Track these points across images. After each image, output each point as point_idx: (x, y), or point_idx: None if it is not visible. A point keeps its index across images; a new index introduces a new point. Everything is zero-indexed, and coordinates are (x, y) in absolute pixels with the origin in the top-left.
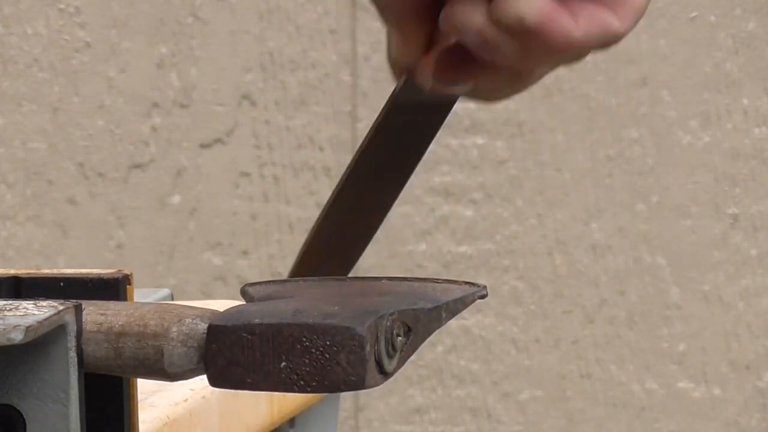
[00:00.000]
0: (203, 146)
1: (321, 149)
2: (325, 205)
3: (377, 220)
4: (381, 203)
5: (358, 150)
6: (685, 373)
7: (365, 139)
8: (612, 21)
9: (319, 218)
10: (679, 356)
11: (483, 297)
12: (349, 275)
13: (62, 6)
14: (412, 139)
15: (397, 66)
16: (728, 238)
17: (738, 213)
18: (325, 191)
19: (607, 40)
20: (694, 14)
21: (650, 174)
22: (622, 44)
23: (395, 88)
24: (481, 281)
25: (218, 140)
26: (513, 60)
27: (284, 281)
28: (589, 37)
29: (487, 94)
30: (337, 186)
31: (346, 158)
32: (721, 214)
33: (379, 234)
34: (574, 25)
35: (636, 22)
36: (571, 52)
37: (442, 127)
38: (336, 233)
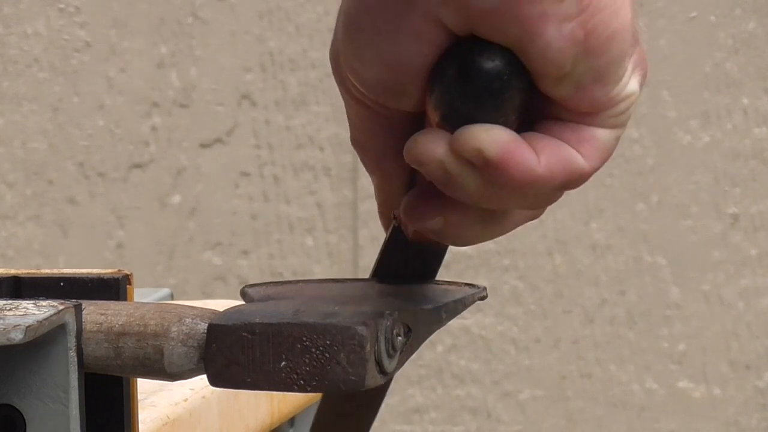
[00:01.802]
0: (203, 146)
1: (321, 149)
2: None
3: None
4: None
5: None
6: (685, 373)
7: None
8: (576, 159)
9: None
10: (679, 356)
11: (483, 298)
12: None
13: (62, 6)
14: (419, 267)
15: (383, 214)
16: (728, 238)
17: (738, 213)
18: (325, 191)
19: (571, 178)
20: (694, 14)
21: (650, 174)
22: None
23: (385, 239)
24: (481, 281)
25: (218, 140)
26: (476, 196)
27: (284, 282)
28: (553, 174)
29: (459, 235)
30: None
31: (346, 158)
32: (721, 214)
33: (380, 234)
34: (536, 161)
35: (603, 161)
36: (535, 189)
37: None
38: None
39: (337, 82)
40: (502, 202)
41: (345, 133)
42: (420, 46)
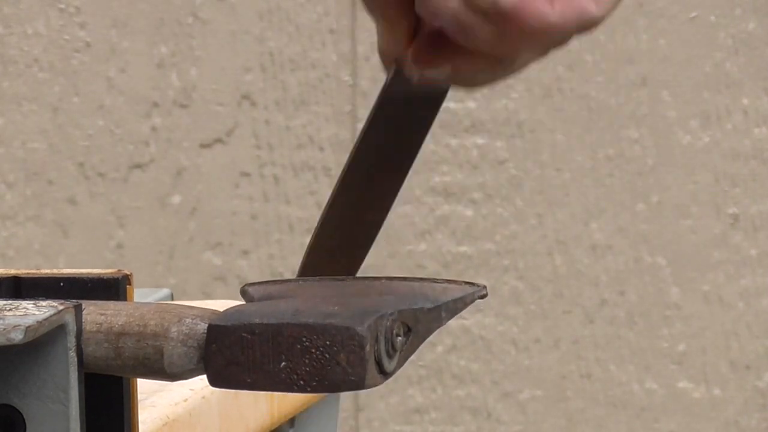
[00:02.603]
0: (203, 146)
1: (321, 149)
2: (326, 204)
3: (379, 217)
4: (381, 200)
5: (354, 147)
6: (685, 373)
7: (360, 134)
8: (588, 4)
9: (321, 218)
10: (679, 356)
11: (483, 297)
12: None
13: (62, 6)
14: (406, 132)
15: (385, 58)
16: (728, 238)
17: (738, 213)
18: (325, 191)
19: (583, 24)
20: (694, 14)
21: (650, 174)
22: (622, 44)
23: (385, 81)
24: (481, 281)
25: (218, 140)
26: (490, 44)
27: (284, 281)
28: (565, 21)
29: (468, 80)
30: (336, 184)
31: (346, 158)
32: (721, 214)
33: (379, 234)
34: (550, 8)
35: (613, 7)
36: (549, 36)
37: (437, 122)
38: (339, 233)
39: None
40: (515, 49)
41: (345, 133)
42: None
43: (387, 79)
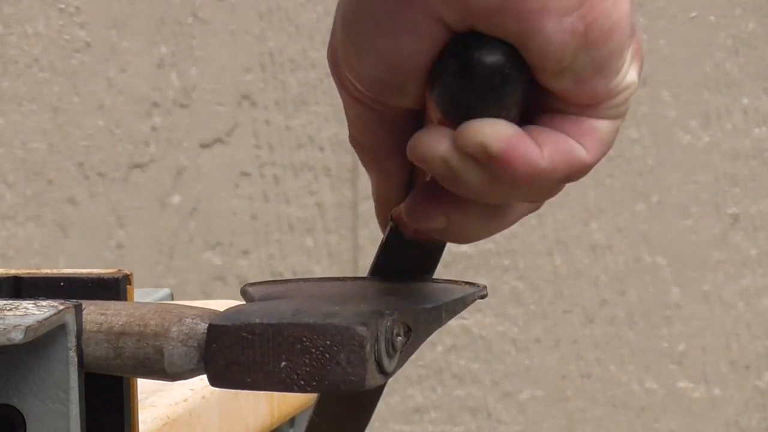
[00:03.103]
0: (203, 146)
1: (321, 149)
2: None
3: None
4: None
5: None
6: (685, 373)
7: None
8: (578, 151)
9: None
10: (679, 356)
11: (483, 297)
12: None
13: (62, 6)
14: (418, 265)
15: (381, 211)
16: (728, 238)
17: (738, 213)
18: (325, 191)
19: (573, 170)
20: (694, 14)
21: (650, 174)
22: None
23: (384, 236)
24: (481, 281)
25: (218, 140)
26: (480, 191)
27: (284, 281)
28: (555, 167)
29: (461, 234)
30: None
31: (346, 158)
32: (721, 214)
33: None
34: (540, 153)
35: (604, 153)
36: (538, 182)
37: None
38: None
39: (335, 80)
40: (506, 196)
41: (345, 133)
42: (419, 44)
43: (385, 233)
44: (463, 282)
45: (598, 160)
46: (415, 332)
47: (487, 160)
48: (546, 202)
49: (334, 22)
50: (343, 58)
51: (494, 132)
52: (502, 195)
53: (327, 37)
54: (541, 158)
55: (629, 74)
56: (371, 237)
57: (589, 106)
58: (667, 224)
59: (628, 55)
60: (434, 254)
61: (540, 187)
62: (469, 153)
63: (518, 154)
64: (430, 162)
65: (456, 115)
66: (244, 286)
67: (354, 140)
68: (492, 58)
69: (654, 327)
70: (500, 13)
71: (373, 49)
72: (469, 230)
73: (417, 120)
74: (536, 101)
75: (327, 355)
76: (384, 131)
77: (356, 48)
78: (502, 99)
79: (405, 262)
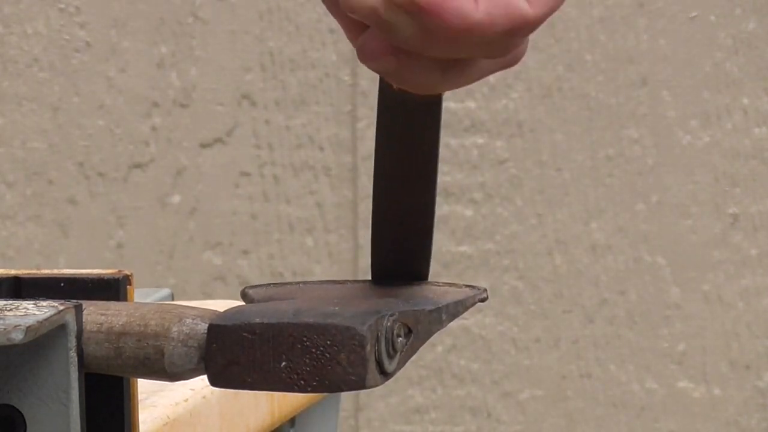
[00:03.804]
0: (203, 146)
1: (321, 149)
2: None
3: (424, 226)
4: (418, 208)
5: (374, 154)
6: (685, 373)
7: (375, 145)
8: (519, 3)
9: (371, 234)
10: (679, 356)
11: (483, 300)
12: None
13: (62, 6)
14: (415, 136)
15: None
16: (728, 238)
17: (738, 213)
18: (325, 191)
19: (516, 25)
20: (694, 14)
21: (650, 174)
22: (622, 44)
23: (379, 89)
24: (481, 281)
25: (218, 140)
26: (418, 44)
27: (284, 284)
28: (493, 20)
29: (417, 81)
30: (372, 197)
31: (346, 158)
32: (721, 214)
33: None
34: (474, 5)
35: (552, 8)
36: (478, 37)
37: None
38: (392, 247)
39: None
40: (445, 49)
41: (345, 133)
42: None
43: (379, 87)
44: (464, 285)
45: (544, 16)
46: (416, 333)
47: (416, 12)
48: (546, 202)
49: None
50: None
51: None
52: (442, 48)
53: (327, 37)
54: (474, 10)
55: None
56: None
57: None
58: (667, 224)
59: None
60: (430, 106)
61: (482, 42)
62: (398, 4)
63: (447, 5)
64: (360, 12)
65: None
66: (245, 288)
67: None
68: None
69: (654, 327)
70: None
71: None
72: (423, 78)
73: None
74: None
75: (327, 355)
76: None
77: None
78: None
79: (403, 114)
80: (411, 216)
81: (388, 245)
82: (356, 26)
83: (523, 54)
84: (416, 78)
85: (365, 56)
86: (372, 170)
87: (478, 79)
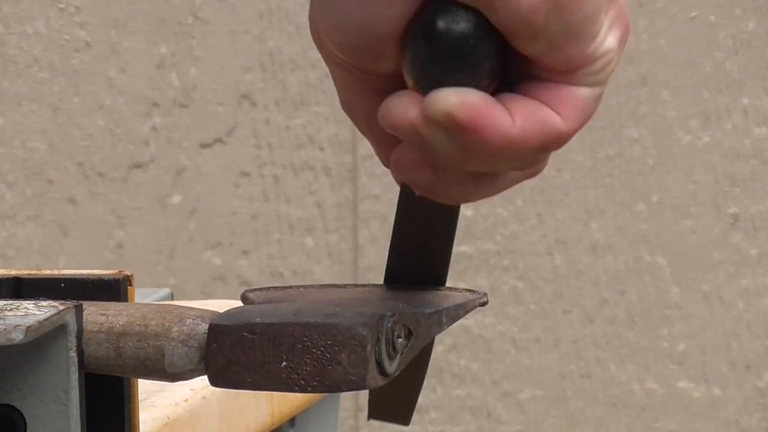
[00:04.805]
0: (203, 146)
1: (321, 149)
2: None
3: (440, 271)
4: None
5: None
6: (685, 373)
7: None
8: (553, 119)
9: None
10: (679, 356)
11: (483, 304)
12: (349, 278)
13: (62, 6)
14: (430, 234)
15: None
16: (728, 238)
17: (738, 213)
18: (326, 191)
19: (549, 140)
20: (694, 14)
21: (650, 174)
22: None
23: (398, 201)
24: (481, 281)
25: (218, 140)
26: (453, 159)
27: (285, 287)
28: (528, 136)
29: (450, 193)
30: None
31: (346, 158)
32: (721, 214)
33: (380, 234)
34: (511, 122)
35: (582, 121)
36: (513, 151)
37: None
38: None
39: (318, 49)
40: (481, 164)
41: (345, 133)
42: (390, 10)
43: (398, 198)
44: (464, 289)
45: (576, 129)
46: (416, 336)
47: (455, 130)
48: (546, 202)
49: None
50: (320, 25)
51: (461, 101)
52: (477, 163)
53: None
54: (512, 127)
55: (607, 40)
56: (371, 237)
57: (565, 73)
58: (667, 224)
59: (606, 21)
60: (448, 218)
61: (516, 156)
62: (437, 122)
63: (487, 123)
64: (399, 129)
65: (426, 83)
66: (245, 291)
67: (345, 106)
68: (458, 26)
69: (654, 327)
70: None
71: (348, 18)
72: (457, 190)
73: (401, 82)
74: (515, 67)
75: (328, 355)
76: (370, 95)
77: (330, 16)
78: (471, 68)
79: (421, 226)
80: (427, 271)
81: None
82: (390, 141)
83: (546, 164)
84: (450, 191)
85: (400, 170)
86: (372, 171)
87: (507, 188)
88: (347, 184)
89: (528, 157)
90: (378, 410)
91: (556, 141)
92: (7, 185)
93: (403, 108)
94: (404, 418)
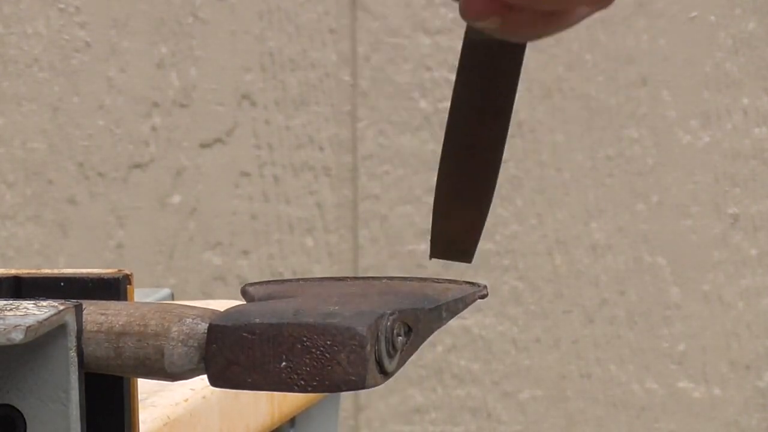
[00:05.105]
0: (203, 146)
1: (321, 149)
2: (442, 149)
3: (492, 159)
4: (489, 141)
5: (452, 97)
6: (685, 373)
7: (456, 81)
8: None
9: (440, 164)
10: (679, 356)
11: (483, 297)
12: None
13: (62, 6)
14: (495, 76)
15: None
16: (728, 238)
17: (738, 213)
18: (325, 191)
19: None
20: (694, 14)
21: (650, 174)
22: (622, 44)
23: (466, 29)
24: (481, 281)
25: (218, 140)
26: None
27: (284, 281)
28: None
29: (521, 33)
30: (446, 129)
31: (346, 158)
32: (721, 214)
33: (380, 234)
34: None
35: None
36: None
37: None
38: (457, 177)
39: None
40: (555, 2)
41: (345, 133)
42: None
43: (466, 27)
44: (464, 282)
45: None
46: (416, 332)
47: None
48: (546, 202)
49: None
50: None
51: None
52: (553, 2)
53: (327, 37)
54: None
55: None
56: (371, 237)
57: None
58: (667, 224)
59: None
60: (515, 49)
61: None
62: None
63: None
64: None
65: None
66: (244, 285)
67: None
68: None
69: (654, 327)
70: None
71: None
72: (527, 30)
73: None
74: None
75: (327, 355)
76: None
77: None
78: None
79: (486, 55)
80: (482, 148)
81: (455, 178)
82: None
83: None
84: (520, 30)
85: (471, 16)
86: (372, 171)
87: (576, 23)
88: (347, 184)
89: None
90: (440, 248)
91: None
92: (7, 185)
93: None
94: (467, 255)
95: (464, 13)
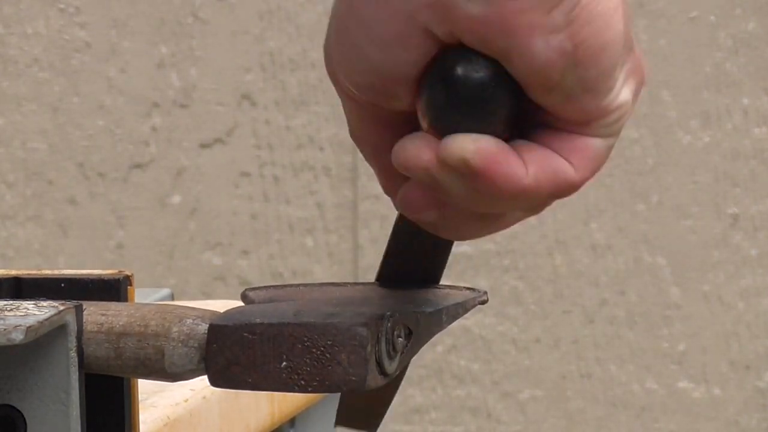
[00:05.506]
0: (203, 146)
1: (321, 149)
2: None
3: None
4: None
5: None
6: (685, 373)
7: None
8: (565, 169)
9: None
10: (679, 356)
11: (483, 302)
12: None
13: (62, 6)
14: (424, 257)
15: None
16: (728, 238)
17: (738, 213)
18: (325, 191)
19: (560, 189)
20: (694, 14)
21: (650, 174)
22: None
23: (393, 228)
24: (481, 281)
25: (218, 140)
26: (464, 201)
27: (285, 286)
28: (540, 185)
29: (455, 230)
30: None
31: (346, 158)
32: (721, 214)
33: (380, 234)
34: (524, 171)
35: (594, 171)
36: (523, 200)
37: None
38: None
39: (331, 79)
40: (491, 207)
41: (345, 133)
42: (408, 54)
43: (393, 225)
44: (464, 287)
45: (587, 179)
46: (416, 335)
47: (469, 175)
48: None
49: (329, 24)
50: (335, 60)
51: (476, 147)
52: (488, 206)
53: None
54: (524, 176)
55: (622, 93)
56: (371, 237)
57: (580, 124)
58: (667, 224)
59: (621, 75)
60: (442, 248)
61: (526, 203)
62: (452, 166)
63: (500, 171)
64: (413, 171)
65: (441, 127)
66: (245, 290)
67: (353, 135)
68: (476, 74)
69: (654, 327)
70: (486, 29)
71: (364, 57)
72: (462, 228)
73: (413, 119)
74: (530, 114)
75: (328, 355)
76: (380, 129)
77: (347, 53)
78: (488, 115)
79: (414, 256)
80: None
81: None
82: (395, 174)
83: (550, 204)
84: (455, 229)
85: (406, 208)
86: (372, 171)
87: (510, 226)
88: (347, 184)
89: (538, 202)
90: (346, 417)
91: (566, 190)
92: (7, 185)
93: (418, 150)
94: (371, 427)
95: (401, 206)
